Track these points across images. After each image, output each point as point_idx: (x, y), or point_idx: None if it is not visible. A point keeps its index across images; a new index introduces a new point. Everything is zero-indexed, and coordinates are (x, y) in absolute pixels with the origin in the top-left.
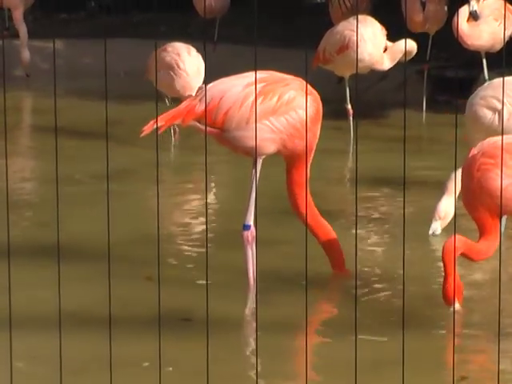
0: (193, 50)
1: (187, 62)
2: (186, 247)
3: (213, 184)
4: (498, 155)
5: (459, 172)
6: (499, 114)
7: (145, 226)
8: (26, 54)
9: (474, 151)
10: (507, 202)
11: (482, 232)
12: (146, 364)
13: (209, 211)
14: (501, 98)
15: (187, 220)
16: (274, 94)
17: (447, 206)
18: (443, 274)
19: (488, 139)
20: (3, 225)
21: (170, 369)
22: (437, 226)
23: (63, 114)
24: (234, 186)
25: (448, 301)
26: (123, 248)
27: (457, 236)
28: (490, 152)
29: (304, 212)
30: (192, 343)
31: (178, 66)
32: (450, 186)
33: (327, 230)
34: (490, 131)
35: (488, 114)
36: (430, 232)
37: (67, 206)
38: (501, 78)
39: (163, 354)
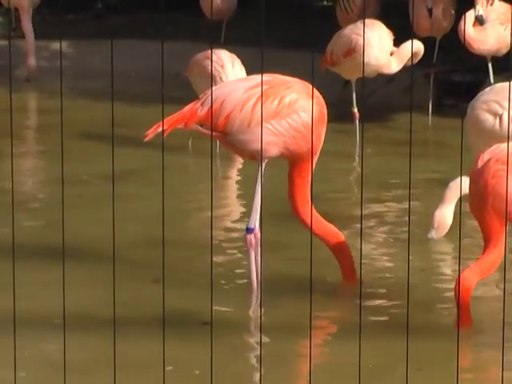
0: (236, 62)
1: (229, 75)
2: (192, 250)
3: (219, 187)
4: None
5: (458, 180)
6: (501, 119)
7: (151, 229)
8: (32, 61)
9: (484, 157)
10: None
11: (489, 239)
12: (169, 368)
13: (214, 214)
14: (502, 102)
15: (193, 223)
16: (275, 97)
17: (442, 215)
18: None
19: (497, 145)
20: (8, 225)
21: (197, 372)
22: (432, 235)
23: (69, 114)
24: (240, 189)
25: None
26: (129, 250)
27: (466, 270)
28: (503, 158)
29: (305, 218)
30: (201, 346)
31: (221, 79)
32: (448, 195)
33: (335, 236)
34: (491, 135)
35: (489, 119)
36: (429, 236)
37: (73, 206)
38: (503, 83)
39: (176, 356)
